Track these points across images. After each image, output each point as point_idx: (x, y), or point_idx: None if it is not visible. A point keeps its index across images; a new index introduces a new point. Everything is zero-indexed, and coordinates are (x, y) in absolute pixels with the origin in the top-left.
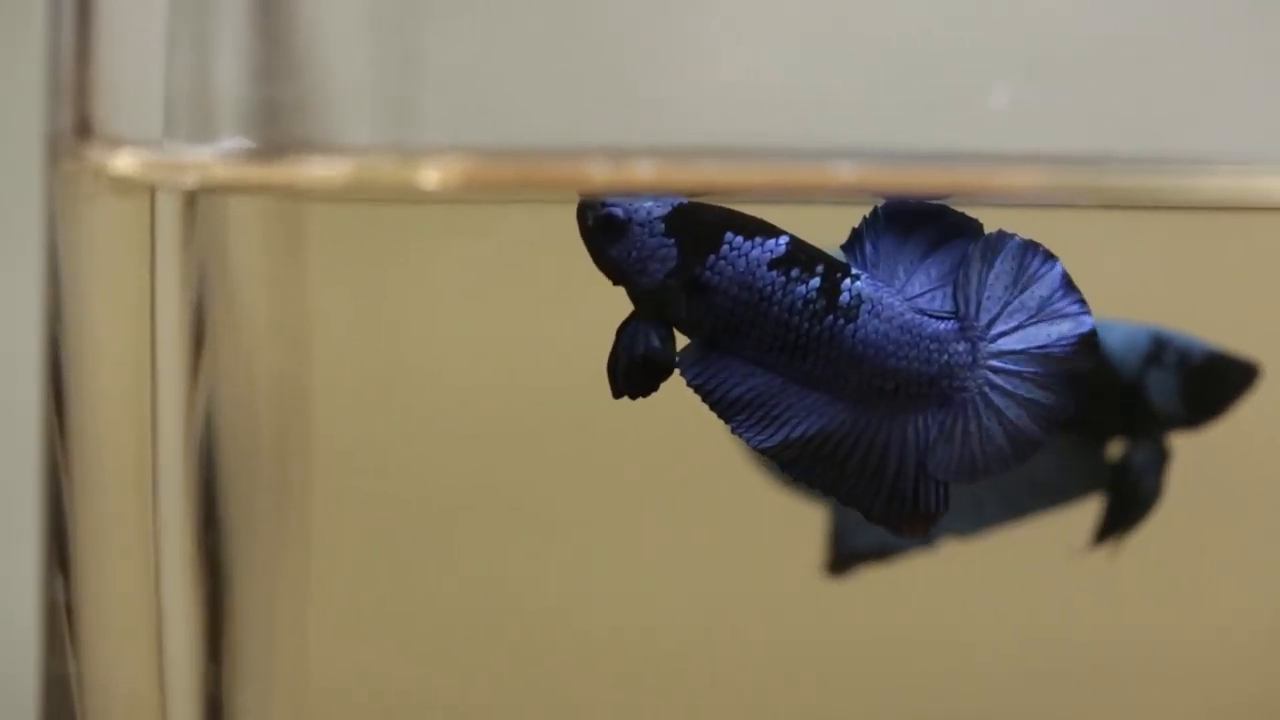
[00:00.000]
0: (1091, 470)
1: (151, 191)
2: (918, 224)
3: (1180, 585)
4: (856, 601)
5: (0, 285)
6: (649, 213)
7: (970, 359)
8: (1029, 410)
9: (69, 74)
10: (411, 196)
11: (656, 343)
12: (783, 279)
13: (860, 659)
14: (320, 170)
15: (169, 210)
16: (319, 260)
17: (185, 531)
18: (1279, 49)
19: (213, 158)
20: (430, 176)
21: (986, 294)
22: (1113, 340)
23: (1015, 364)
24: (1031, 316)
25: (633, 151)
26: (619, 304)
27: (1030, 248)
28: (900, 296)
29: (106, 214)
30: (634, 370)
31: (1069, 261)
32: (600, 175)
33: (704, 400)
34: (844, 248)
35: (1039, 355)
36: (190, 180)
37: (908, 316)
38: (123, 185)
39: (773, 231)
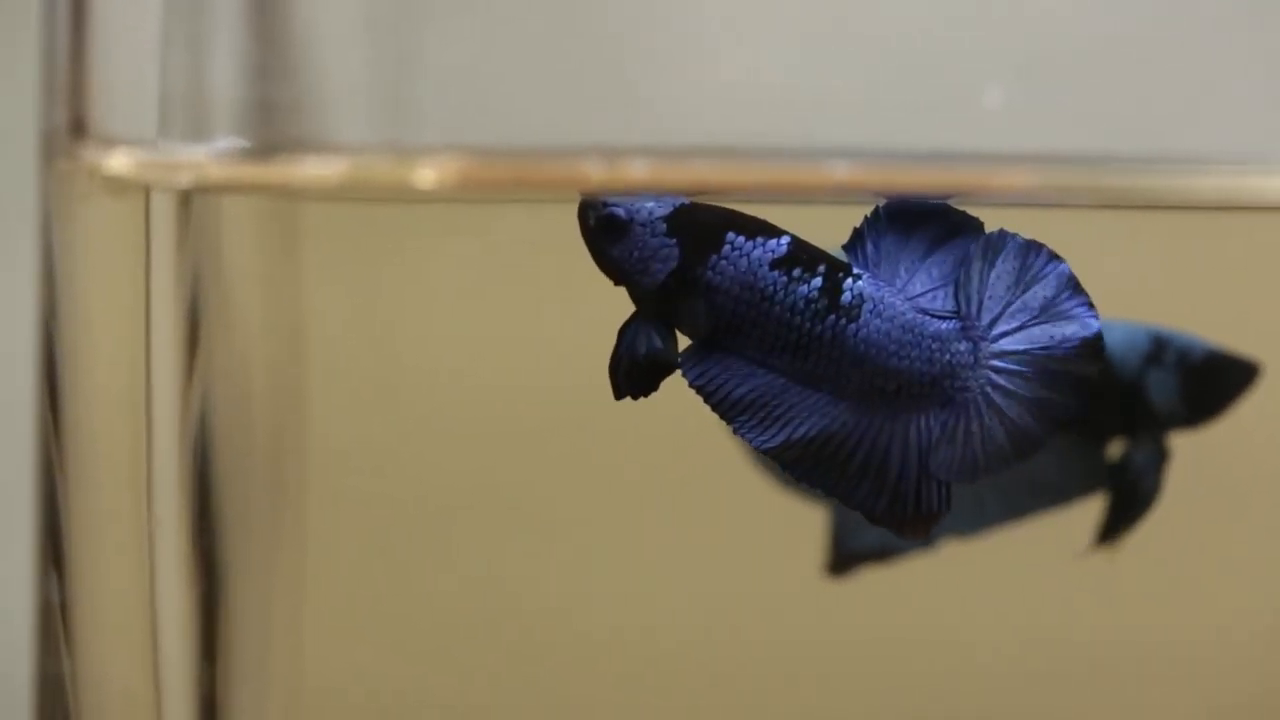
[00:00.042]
0: (1091, 470)
1: (146, 191)
2: (919, 223)
3: (1180, 585)
4: (856, 602)
5: None
6: (651, 213)
7: (972, 359)
8: (1031, 410)
9: (64, 73)
10: (407, 196)
11: (658, 343)
12: (784, 279)
13: (860, 659)
14: (315, 169)
15: (164, 210)
16: (314, 260)
17: (180, 530)
18: (1276, 48)
19: (207, 157)
20: (426, 176)
21: (988, 293)
22: (1112, 340)
23: (1018, 364)
24: (1035, 317)
25: (628, 151)
26: (616, 303)
27: (1033, 247)
28: (902, 296)
29: (101, 213)
30: (636, 371)
31: (1067, 261)
32: (596, 175)
33: (705, 401)
34: (845, 247)
35: (1042, 356)
36: (185, 180)
37: (910, 316)
38: (117, 185)
39: (774, 231)
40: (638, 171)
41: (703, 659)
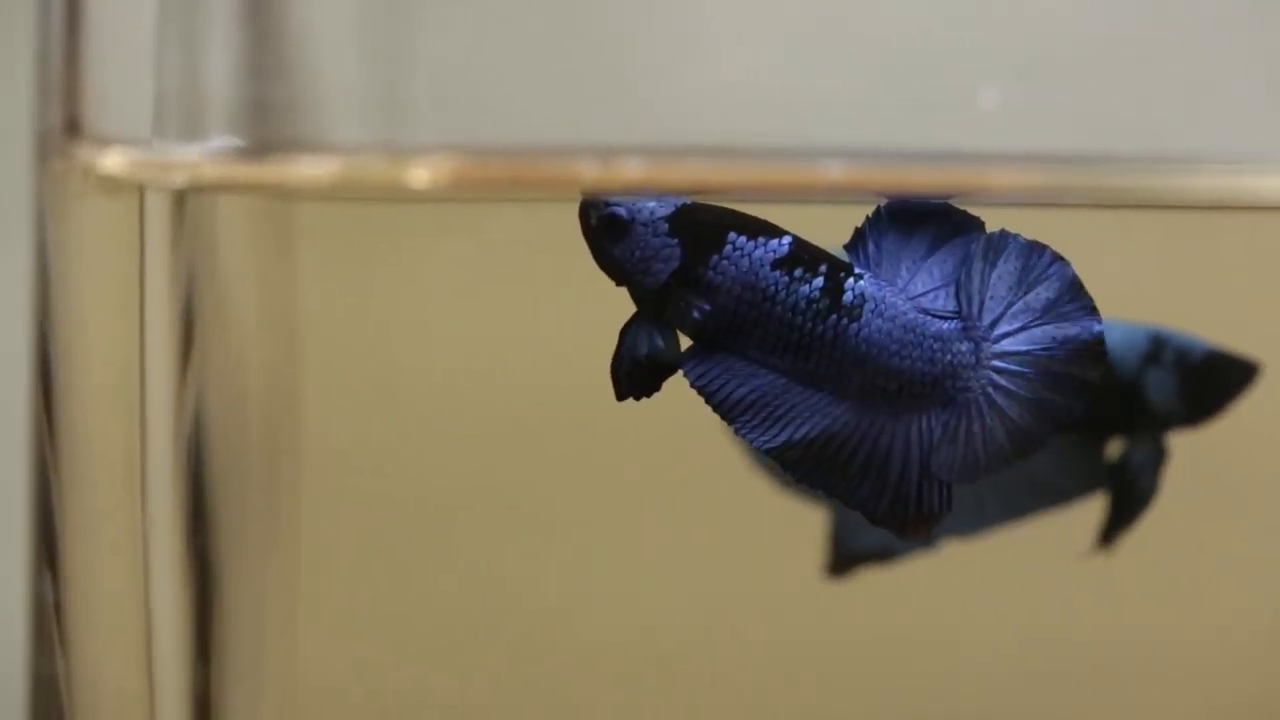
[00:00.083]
0: (1091, 470)
1: (140, 190)
2: (921, 223)
3: (1180, 585)
4: (856, 602)
5: None
6: (652, 212)
7: (974, 359)
8: (1032, 411)
9: (58, 73)
10: (401, 195)
11: (660, 343)
12: (786, 279)
13: (860, 659)
14: (310, 169)
15: (158, 209)
16: (308, 259)
17: (175, 530)
18: (1273, 48)
19: (202, 157)
20: (420, 175)
21: (990, 294)
22: (1111, 339)
23: (1019, 365)
24: (1037, 318)
25: (623, 150)
26: (611, 303)
27: (1036, 248)
28: (903, 296)
29: (96, 213)
30: (637, 371)
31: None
32: (591, 174)
33: (707, 401)
34: (847, 247)
35: (1044, 357)
36: (179, 179)
37: (911, 316)
38: (112, 184)
39: (776, 231)
40: (633, 171)
41: (703, 660)
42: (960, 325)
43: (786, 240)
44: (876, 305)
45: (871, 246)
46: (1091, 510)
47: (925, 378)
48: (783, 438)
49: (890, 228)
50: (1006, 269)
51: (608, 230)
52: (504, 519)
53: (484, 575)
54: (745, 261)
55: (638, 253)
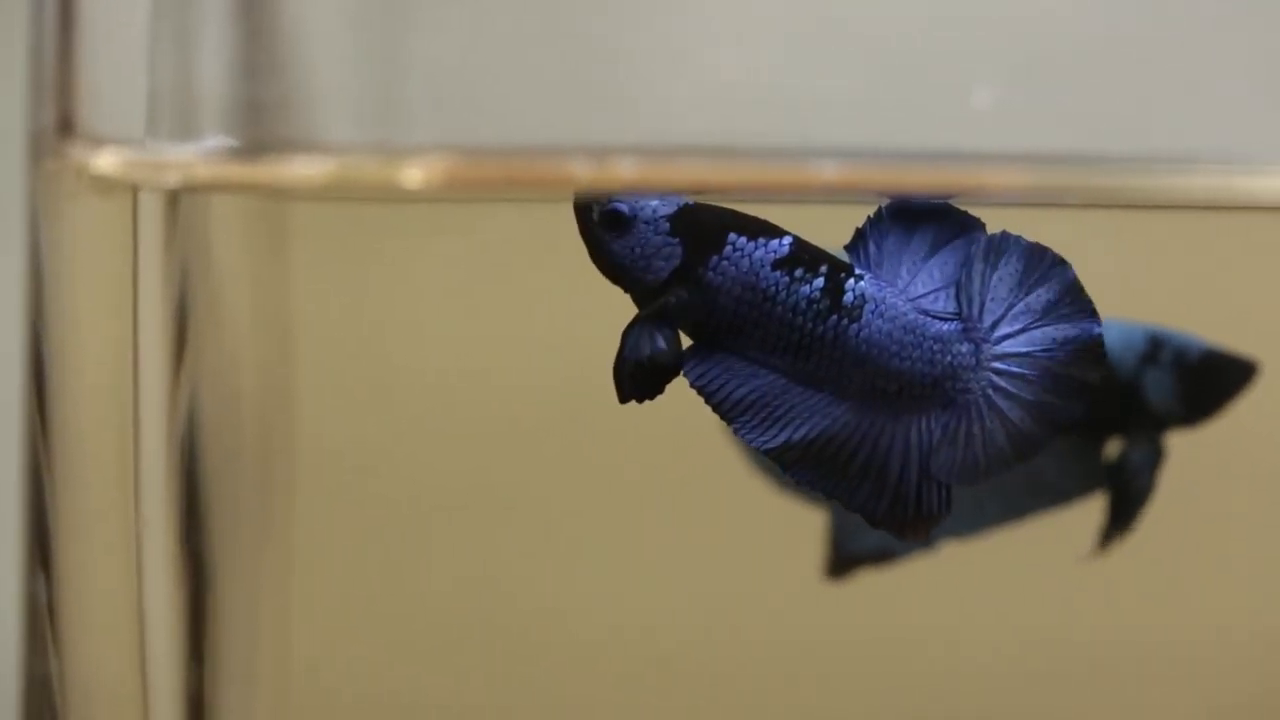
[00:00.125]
0: (1090, 470)
1: (134, 190)
2: (922, 224)
3: (1180, 585)
4: (856, 603)
5: None
6: (655, 211)
7: (974, 360)
8: (1032, 413)
9: (51, 72)
10: (394, 195)
11: (662, 343)
12: (786, 279)
13: (860, 660)
14: (303, 169)
15: (151, 209)
16: (302, 259)
17: (168, 530)
18: (1268, 48)
19: (195, 156)
20: (413, 175)
21: (990, 295)
22: (1109, 339)
23: (1019, 367)
24: (1037, 320)
25: (616, 150)
26: (605, 303)
27: (1037, 250)
28: (904, 297)
29: (89, 213)
30: (640, 373)
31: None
32: (584, 174)
33: (706, 401)
34: (848, 247)
35: (1044, 359)
36: (173, 179)
37: (911, 317)
38: (105, 184)
39: (776, 232)
40: (626, 171)
41: (701, 661)
42: (960, 327)
43: (787, 241)
44: (877, 306)
45: (872, 247)
46: (1090, 510)
47: (925, 379)
48: (782, 438)
49: (891, 229)
50: (1008, 271)
51: (609, 226)
52: (497, 519)
53: (478, 575)
54: (745, 262)
55: (638, 249)
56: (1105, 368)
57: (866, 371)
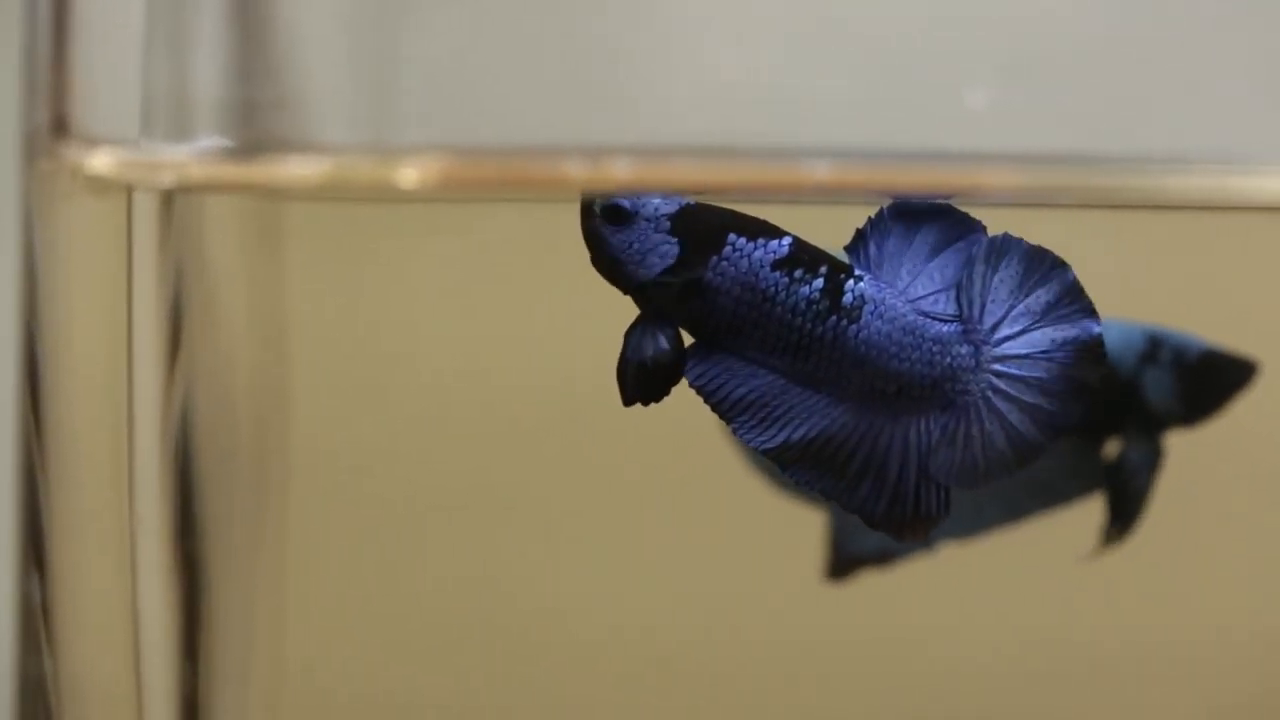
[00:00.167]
0: (1089, 471)
1: (128, 191)
2: (922, 225)
3: (1180, 585)
4: (856, 603)
5: None
6: (656, 209)
7: (973, 362)
8: (1032, 415)
9: (46, 73)
10: (389, 195)
11: (665, 344)
12: (786, 280)
13: (860, 661)
14: (298, 169)
15: (146, 209)
16: (297, 259)
17: (162, 530)
18: (1265, 48)
19: (190, 157)
20: (408, 175)
21: (991, 297)
22: (1108, 339)
23: (1019, 368)
24: (1037, 321)
25: (611, 150)
26: (601, 303)
27: (1038, 252)
28: (904, 298)
29: (83, 213)
30: (643, 375)
31: None
32: (580, 174)
33: (706, 401)
34: (848, 248)
35: (1044, 360)
36: (167, 179)
37: (911, 318)
38: (99, 184)
39: (776, 232)
40: (622, 171)
41: (701, 661)
42: (960, 328)
43: (786, 241)
44: (876, 307)
45: (873, 248)
46: (1089, 511)
47: (924, 380)
48: (781, 438)
49: (892, 230)
50: (1008, 273)
51: (611, 219)
52: (493, 520)
53: (473, 576)
54: (745, 262)
55: (636, 244)
56: (1104, 367)
57: (865, 372)
